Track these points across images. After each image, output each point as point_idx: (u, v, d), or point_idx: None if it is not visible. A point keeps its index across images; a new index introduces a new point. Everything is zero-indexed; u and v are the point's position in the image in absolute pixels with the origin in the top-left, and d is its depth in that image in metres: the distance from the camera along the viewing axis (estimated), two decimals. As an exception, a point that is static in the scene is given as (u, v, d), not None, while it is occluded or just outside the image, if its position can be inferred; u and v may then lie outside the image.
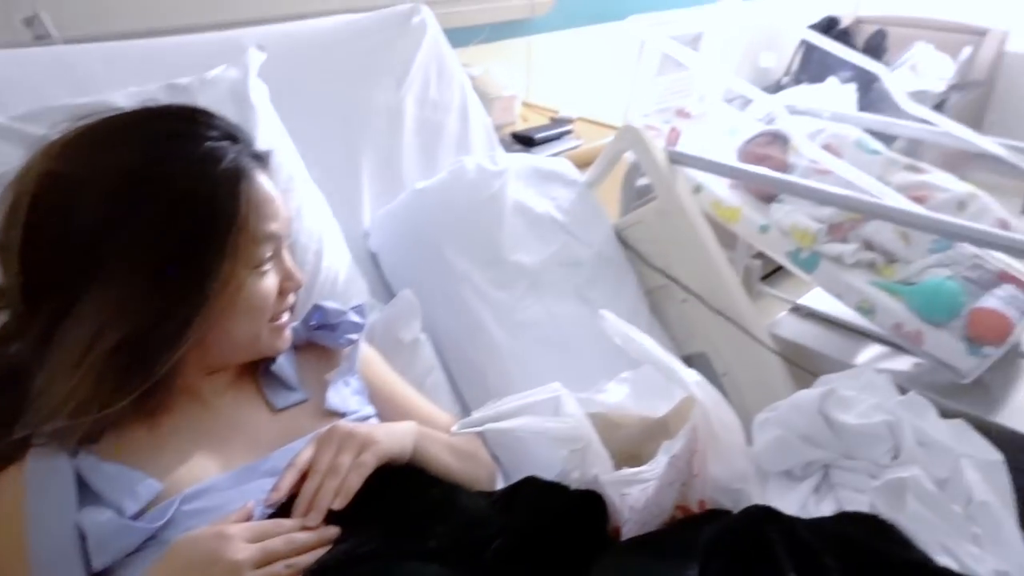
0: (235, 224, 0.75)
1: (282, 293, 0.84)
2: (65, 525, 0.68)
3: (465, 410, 1.19)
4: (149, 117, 0.80)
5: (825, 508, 1.06)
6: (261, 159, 0.84)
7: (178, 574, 0.64)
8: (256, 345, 0.84)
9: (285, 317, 0.87)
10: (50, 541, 0.68)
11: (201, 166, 0.75)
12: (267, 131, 1.11)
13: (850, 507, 0.99)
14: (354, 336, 0.96)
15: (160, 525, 0.69)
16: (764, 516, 0.74)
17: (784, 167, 1.43)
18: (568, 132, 2.05)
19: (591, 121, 2.26)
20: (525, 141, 1.96)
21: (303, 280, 0.87)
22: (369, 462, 0.75)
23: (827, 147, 1.38)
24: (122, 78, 1.06)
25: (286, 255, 0.85)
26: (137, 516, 0.70)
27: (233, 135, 0.81)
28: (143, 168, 0.74)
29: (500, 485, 1.07)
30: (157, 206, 0.73)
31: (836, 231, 1.33)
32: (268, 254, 0.80)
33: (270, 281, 0.81)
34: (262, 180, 0.81)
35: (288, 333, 0.88)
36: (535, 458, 1.09)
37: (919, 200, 1.27)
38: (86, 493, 0.71)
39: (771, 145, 1.43)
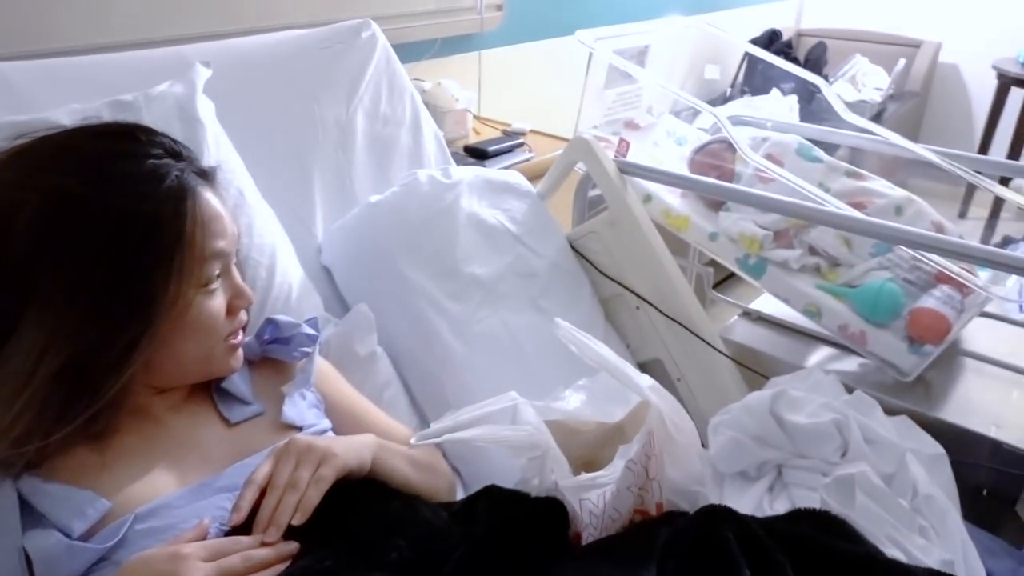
0: (181, 243, 0.74)
1: (232, 311, 0.83)
2: (8, 550, 0.66)
3: (424, 422, 1.19)
4: (88, 135, 0.79)
5: (779, 506, 1.09)
6: (207, 176, 0.84)
7: None
8: (208, 365, 0.83)
9: (239, 336, 0.86)
10: None
11: (143, 185, 0.74)
12: (215, 147, 1.10)
13: (803, 504, 1.01)
14: (308, 349, 0.95)
15: (111, 545, 0.68)
16: (719, 515, 0.76)
17: (732, 176, 1.47)
18: (520, 145, 2.07)
19: (543, 133, 2.29)
20: (478, 154, 1.98)
21: (253, 298, 0.86)
22: (328, 476, 0.75)
23: (769, 156, 1.42)
24: (64, 95, 1.04)
25: (235, 272, 0.84)
26: (86, 537, 0.68)
27: (177, 152, 0.81)
28: (80, 188, 0.72)
29: (460, 495, 1.08)
30: (95, 227, 0.72)
31: (781, 237, 1.37)
32: (216, 272, 0.80)
33: (219, 300, 0.81)
34: (208, 197, 0.81)
35: (241, 352, 0.87)
36: (494, 467, 1.09)
37: (859, 206, 1.31)
38: (30, 516, 0.69)
39: (721, 158, 1.47)
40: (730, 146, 1.53)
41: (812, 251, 1.36)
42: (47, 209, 0.71)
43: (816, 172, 1.42)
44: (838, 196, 1.29)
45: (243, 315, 0.86)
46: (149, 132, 0.82)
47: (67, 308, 0.70)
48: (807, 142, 1.48)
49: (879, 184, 1.41)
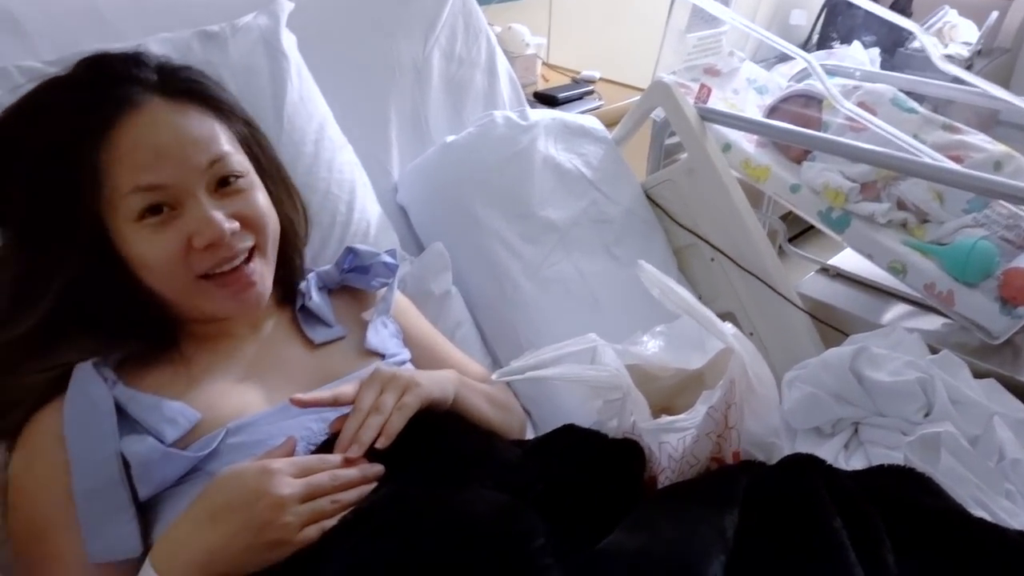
0: (87, 175, 0.71)
1: (196, 247, 0.73)
2: (107, 453, 0.69)
3: (495, 363, 1.20)
4: (64, 71, 0.77)
5: (855, 464, 1.07)
6: (194, 98, 0.78)
7: (222, 507, 0.64)
8: (196, 304, 0.77)
9: (244, 276, 0.77)
10: (93, 471, 0.68)
11: (60, 116, 0.73)
12: (297, 79, 1.10)
13: (881, 463, 0.99)
14: (387, 279, 0.95)
15: (204, 455, 0.70)
16: (806, 464, 0.74)
17: (818, 127, 1.41)
18: (590, 92, 2.03)
19: (612, 82, 2.23)
20: (548, 100, 1.94)
21: (222, 232, 0.73)
22: (412, 404, 0.76)
23: (862, 105, 1.36)
24: (154, 25, 1.05)
25: (203, 204, 0.74)
26: (180, 446, 0.71)
27: (139, 78, 0.75)
28: (9, 119, 0.75)
29: (530, 436, 1.08)
30: (15, 157, 0.73)
31: (868, 190, 1.31)
32: (145, 205, 0.72)
33: (165, 236, 0.73)
34: (144, 128, 0.73)
35: (254, 294, 0.79)
36: (565, 409, 1.09)
37: (955, 159, 1.25)
38: (125, 422, 0.71)
39: (807, 107, 1.41)
40: (815, 96, 1.47)
41: (901, 205, 1.30)
42: None
43: (911, 124, 1.35)
44: (933, 149, 1.23)
45: (224, 251, 0.75)
46: (101, 60, 0.77)
47: (8, 228, 0.75)
48: (901, 93, 1.41)
49: (977, 138, 1.34)
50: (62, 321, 0.73)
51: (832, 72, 1.59)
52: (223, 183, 0.77)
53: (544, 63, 2.25)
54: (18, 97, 0.82)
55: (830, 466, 0.74)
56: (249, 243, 0.78)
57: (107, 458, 0.69)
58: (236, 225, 0.76)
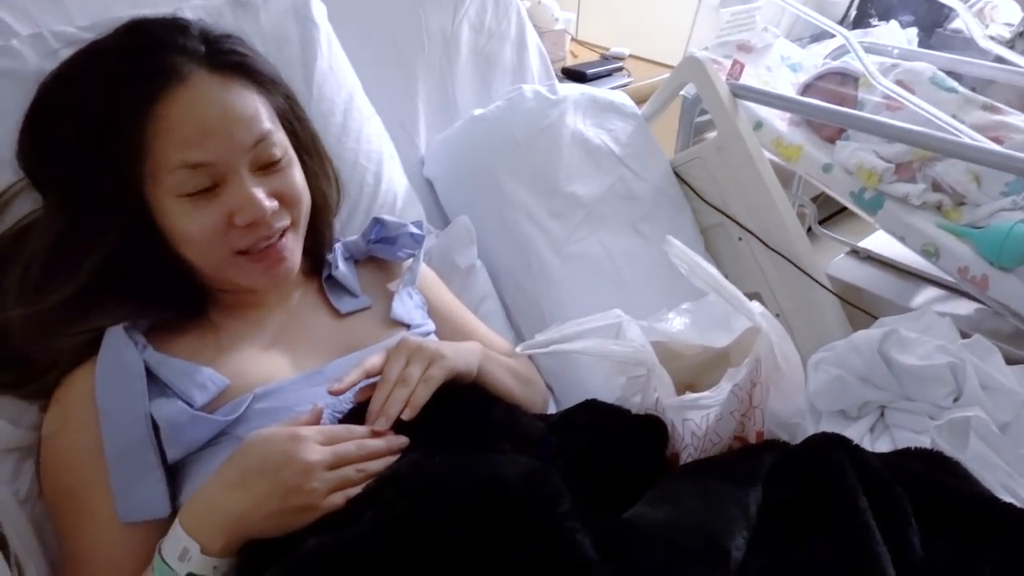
0: (139, 151, 0.70)
1: (237, 224, 0.74)
2: (137, 415, 0.70)
3: (519, 338, 1.20)
4: (109, 36, 0.76)
5: (881, 447, 1.06)
6: (240, 73, 0.77)
7: (251, 471, 0.65)
8: (226, 277, 0.78)
9: (274, 253, 0.77)
10: (123, 432, 0.70)
11: (109, 87, 0.72)
12: (327, 49, 1.09)
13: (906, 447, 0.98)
14: (413, 250, 0.95)
15: (232, 419, 0.71)
16: (833, 443, 0.74)
17: (854, 106, 1.38)
18: (619, 69, 2.00)
19: (641, 58, 2.20)
20: (576, 77, 1.92)
21: (263, 211, 0.74)
22: (437, 376, 0.76)
23: (900, 83, 1.33)
24: (186, -9, 1.05)
25: (245, 183, 0.73)
26: (207, 411, 0.72)
27: (187, 49, 0.74)
28: (57, 86, 0.75)
29: (552, 411, 1.08)
30: (63, 125, 0.73)
31: (903, 171, 1.28)
32: (189, 181, 0.71)
33: (207, 212, 0.72)
34: (201, 104, 0.72)
35: (284, 269, 0.79)
36: (588, 385, 1.09)
37: (995, 141, 1.21)
38: (155, 386, 0.72)
39: (842, 85, 1.38)
40: (851, 74, 1.44)
41: (936, 187, 1.27)
42: (35, 106, 0.76)
43: (950, 103, 1.32)
44: (973, 130, 1.20)
45: (263, 229, 0.75)
46: (147, 27, 0.76)
47: (50, 191, 0.75)
48: (941, 72, 1.37)
49: (1018, 119, 1.30)
50: (97, 288, 0.74)
51: (869, 50, 1.55)
52: (266, 162, 0.76)
53: (573, 39, 2.22)
54: (55, 62, 0.83)
55: (857, 446, 0.73)
56: (286, 222, 0.78)
57: (137, 420, 0.70)
58: (276, 204, 0.76)
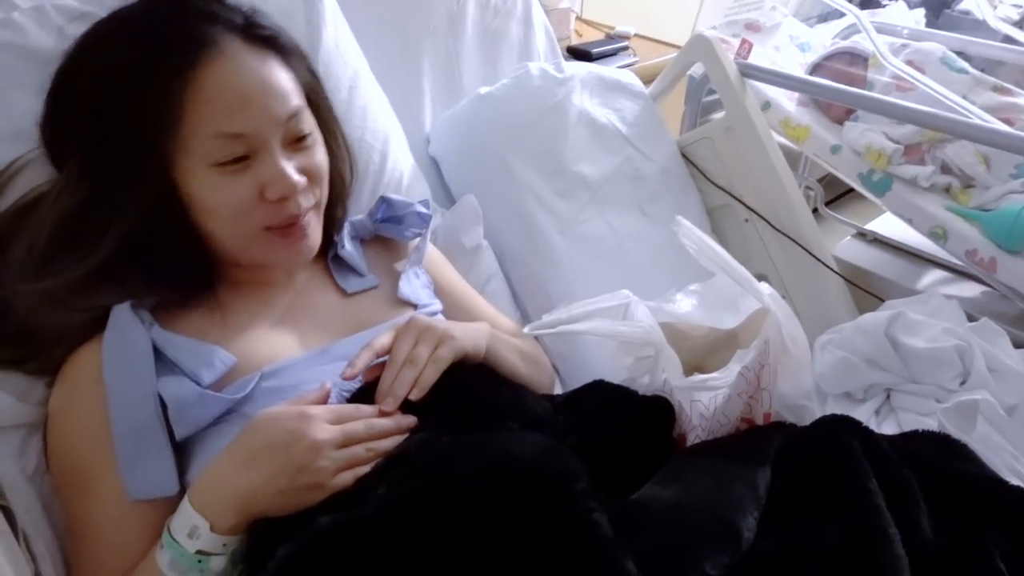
0: (170, 117, 0.69)
1: (268, 199, 0.73)
2: (144, 393, 0.70)
3: (525, 318, 1.19)
4: (138, 1, 0.76)
5: (887, 430, 1.05)
6: (272, 47, 0.76)
7: (259, 450, 0.65)
8: (253, 252, 0.77)
9: (297, 229, 0.77)
10: (131, 410, 0.69)
11: (146, 52, 0.71)
12: (333, 26, 1.08)
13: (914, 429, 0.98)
14: (420, 230, 0.95)
15: (240, 398, 0.71)
16: (842, 424, 0.73)
17: (863, 86, 1.36)
18: (625, 48, 1.98)
19: (647, 38, 2.18)
20: (581, 56, 1.90)
21: (294, 186, 0.74)
22: (446, 356, 0.76)
23: (910, 63, 1.31)
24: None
25: (277, 157, 0.73)
26: (214, 389, 0.71)
27: (222, 18, 0.74)
28: (88, 52, 0.74)
29: (558, 392, 1.08)
30: (92, 91, 0.72)
31: (912, 152, 1.28)
32: (222, 152, 0.71)
33: (240, 184, 0.72)
34: (237, 74, 0.71)
35: (305, 246, 0.79)
36: (594, 366, 1.09)
37: (1006, 123, 1.20)
38: (162, 364, 0.72)
39: (852, 65, 1.37)
40: (860, 54, 1.43)
41: (945, 169, 1.26)
42: (63, 71, 0.75)
43: (961, 84, 1.31)
44: (983, 111, 1.19)
45: (291, 206, 0.74)
46: None
47: (71, 160, 0.73)
48: (951, 53, 1.36)
49: (1029, 100, 1.29)
50: (112, 262, 0.73)
51: (879, 30, 1.53)
52: (295, 137, 0.76)
53: (578, 17, 2.20)
54: (56, 35, 0.82)
55: (866, 428, 0.73)
56: (312, 200, 0.78)
57: (145, 398, 0.70)
58: (305, 180, 0.76)
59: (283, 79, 0.76)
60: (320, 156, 0.79)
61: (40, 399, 0.76)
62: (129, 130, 0.70)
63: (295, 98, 0.76)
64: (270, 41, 0.76)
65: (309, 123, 0.78)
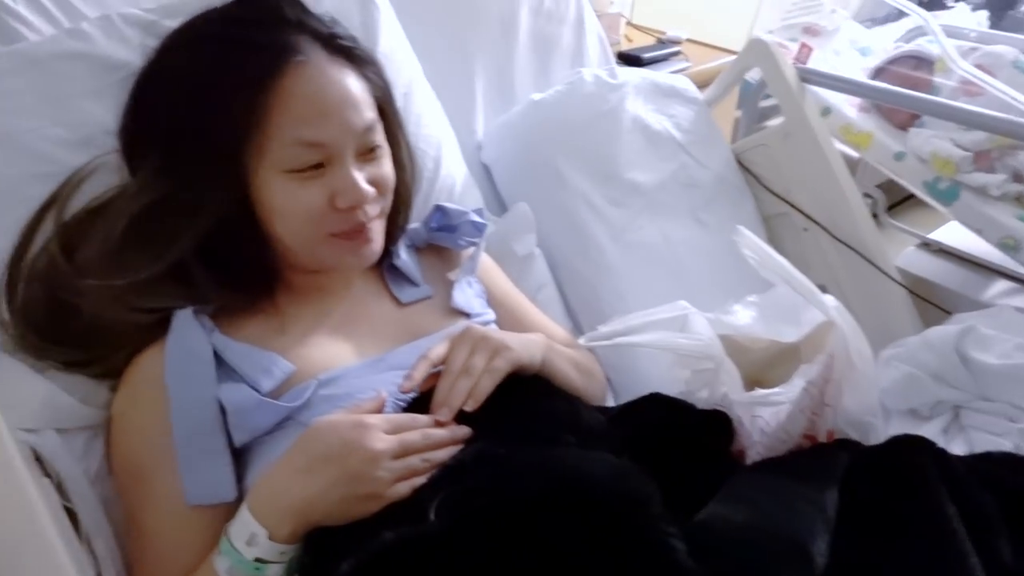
0: (254, 121, 0.70)
1: (337, 207, 0.74)
2: (205, 399, 0.70)
3: (577, 327, 1.18)
4: (226, 4, 0.77)
5: (955, 450, 1.01)
6: (347, 58, 0.77)
7: (316, 458, 0.65)
8: (317, 257, 0.78)
9: (363, 235, 0.77)
10: (191, 415, 0.70)
11: (233, 56, 0.72)
12: (387, 32, 1.08)
13: (985, 449, 0.94)
14: (474, 238, 0.94)
15: (297, 406, 0.71)
16: (914, 445, 0.70)
17: (928, 91, 1.32)
18: (676, 53, 1.95)
19: (699, 43, 2.15)
20: (632, 61, 1.88)
21: (364, 196, 0.74)
22: (502, 368, 0.75)
23: (980, 67, 1.26)
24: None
25: (350, 168, 0.74)
26: (273, 396, 0.72)
27: (304, 26, 0.75)
28: (175, 55, 0.75)
29: (610, 404, 1.07)
30: (178, 92, 0.73)
31: (982, 160, 1.23)
32: (299, 158, 0.72)
33: (311, 191, 0.73)
34: (319, 84, 0.72)
35: (369, 251, 0.79)
36: (647, 378, 1.07)
37: (1082, 129, 1.15)
38: (223, 370, 0.72)
39: (917, 69, 1.32)
40: (926, 58, 1.38)
41: (1017, 177, 1.21)
42: (146, 72, 0.76)
43: (1034, 88, 1.25)
44: (1058, 117, 1.13)
45: (360, 215, 0.75)
46: (274, 1, 0.76)
47: (150, 159, 0.74)
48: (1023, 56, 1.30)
49: (1107, 106, 1.23)
50: (184, 262, 0.74)
51: (946, 33, 1.49)
52: (367, 149, 0.77)
53: (628, 22, 2.18)
54: (122, 44, 0.83)
55: (941, 449, 0.70)
56: (378, 210, 0.79)
57: (205, 404, 0.70)
58: (374, 191, 0.76)
59: (361, 91, 0.76)
60: (388, 167, 0.80)
61: (103, 402, 0.77)
62: (211, 131, 0.71)
63: (370, 110, 0.77)
64: (348, 52, 0.78)
65: (381, 135, 0.79)
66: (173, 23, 0.79)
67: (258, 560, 0.62)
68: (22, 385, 0.74)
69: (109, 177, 0.80)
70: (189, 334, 0.72)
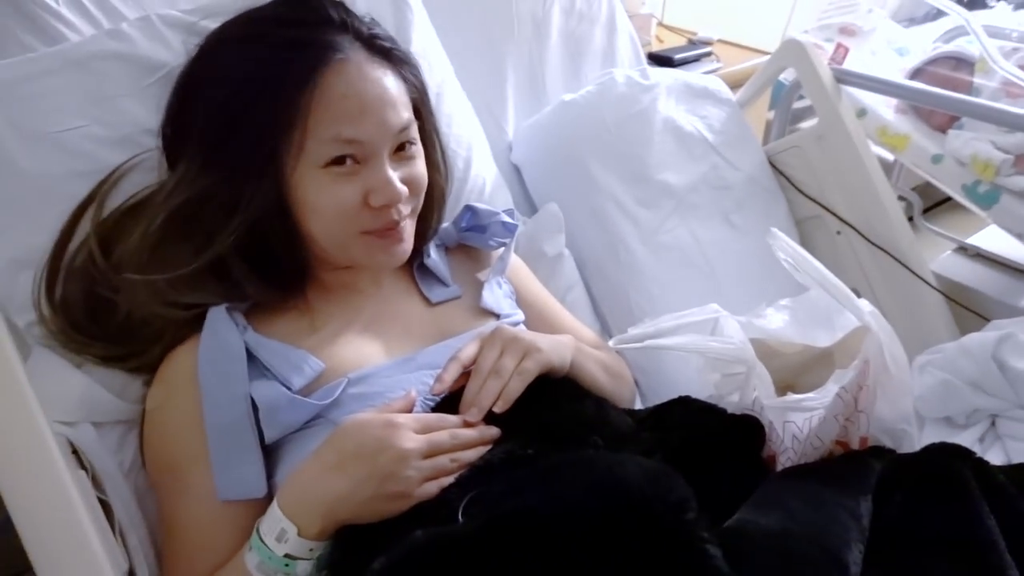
0: (291, 116, 0.70)
1: (371, 205, 0.74)
2: (238, 395, 0.71)
3: (605, 329, 1.17)
4: (267, 3, 0.78)
5: (992, 459, 0.99)
6: (383, 57, 0.77)
7: (346, 456, 0.65)
8: (349, 254, 0.78)
9: (394, 234, 0.78)
10: (224, 411, 0.71)
11: (276, 51, 0.72)
12: (420, 32, 1.08)
13: (1022, 459, 0.92)
14: (504, 239, 0.94)
15: (328, 404, 0.71)
16: (953, 453, 0.69)
17: (968, 93, 1.29)
18: (708, 54, 1.94)
19: (731, 43, 2.12)
20: (663, 62, 1.86)
21: (399, 195, 0.75)
22: (532, 369, 0.75)
23: (1022, 68, 1.23)
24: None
25: (386, 166, 0.74)
26: (303, 394, 0.72)
27: (345, 25, 0.76)
28: (217, 48, 0.76)
29: (637, 407, 1.06)
30: (218, 86, 0.74)
31: (1021, 163, 1.20)
32: (335, 155, 0.72)
33: (346, 188, 0.73)
34: (357, 80, 0.73)
35: (400, 250, 0.79)
36: (675, 381, 1.06)
37: None
38: (255, 367, 0.73)
39: (957, 70, 1.29)
40: (966, 59, 1.35)
41: (1060, 181, 1.18)
42: (188, 69, 0.77)
43: (1078, 90, 1.22)
44: (1104, 119, 1.10)
45: (393, 213, 0.76)
46: (315, 1, 0.76)
47: (191, 155, 0.75)
48: (1067, 55, 1.27)
49: None
50: (224, 259, 0.75)
51: (987, 33, 1.46)
52: (402, 148, 0.77)
53: (659, 23, 2.17)
54: (161, 44, 0.84)
55: (980, 458, 0.68)
56: (410, 209, 0.79)
57: (237, 400, 0.71)
58: (407, 190, 0.76)
59: (398, 90, 0.77)
60: (422, 167, 0.80)
61: (138, 396, 0.79)
62: (252, 128, 0.72)
63: (407, 111, 0.77)
64: (388, 52, 0.78)
65: (416, 136, 0.79)
66: (211, 24, 0.80)
67: (287, 556, 0.63)
68: (60, 379, 0.76)
69: (146, 176, 0.81)
70: (223, 331, 0.73)
